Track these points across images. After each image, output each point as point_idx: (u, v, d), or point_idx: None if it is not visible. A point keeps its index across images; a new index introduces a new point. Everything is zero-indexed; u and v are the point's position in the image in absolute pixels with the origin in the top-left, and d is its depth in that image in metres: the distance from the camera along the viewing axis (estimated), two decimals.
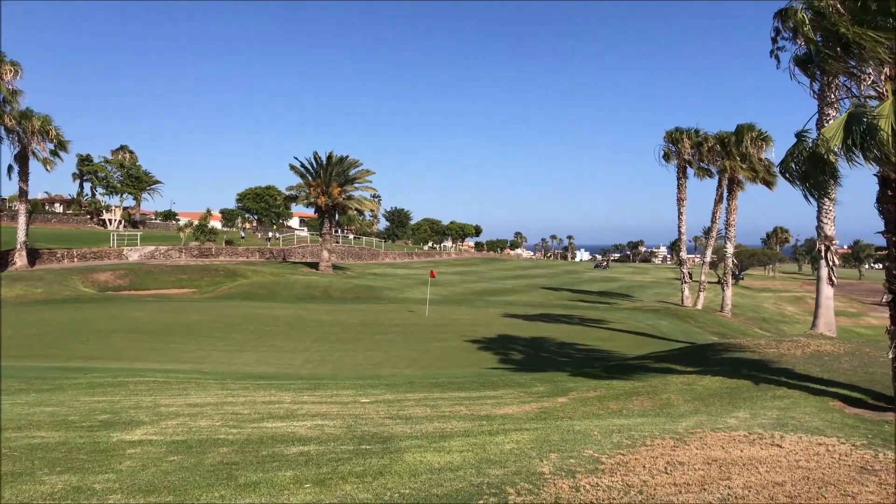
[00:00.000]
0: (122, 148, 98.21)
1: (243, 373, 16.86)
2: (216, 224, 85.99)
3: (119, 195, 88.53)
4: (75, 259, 51.31)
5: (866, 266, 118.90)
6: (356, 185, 60.44)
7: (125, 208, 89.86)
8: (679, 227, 47.55)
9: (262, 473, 6.54)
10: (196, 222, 67.83)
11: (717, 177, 44.59)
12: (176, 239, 64.69)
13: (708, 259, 50.40)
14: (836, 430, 8.51)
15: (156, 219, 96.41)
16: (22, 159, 45.25)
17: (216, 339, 24.46)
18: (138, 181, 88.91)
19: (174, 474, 6.48)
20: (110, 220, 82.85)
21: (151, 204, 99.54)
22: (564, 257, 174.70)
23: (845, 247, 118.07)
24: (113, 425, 8.98)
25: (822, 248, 24.00)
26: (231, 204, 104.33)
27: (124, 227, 78.82)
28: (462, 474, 6.48)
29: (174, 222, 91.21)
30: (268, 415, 10.21)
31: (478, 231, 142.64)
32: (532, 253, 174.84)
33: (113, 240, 58.61)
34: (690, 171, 45.93)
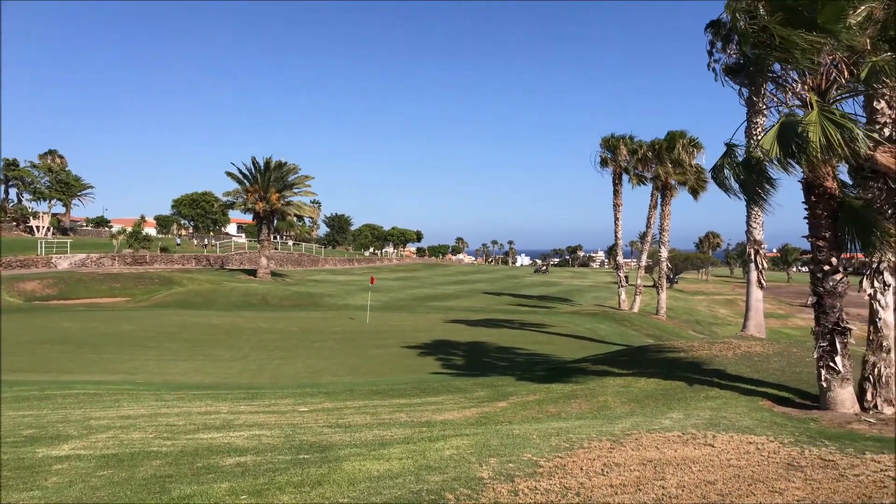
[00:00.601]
0: (51, 152, 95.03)
1: (179, 383, 16.45)
2: (151, 231, 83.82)
3: (47, 201, 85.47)
4: (0, 268, 49.32)
5: (794, 269, 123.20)
6: (295, 190, 59.75)
7: (54, 215, 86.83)
8: (616, 232, 48.48)
9: (196, 486, 6.39)
10: (130, 229, 65.99)
11: (651, 183, 45.63)
12: (108, 246, 62.82)
13: (644, 263, 51.49)
14: (765, 428, 8.78)
15: (87, 226, 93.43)
16: None
17: (150, 348, 23.82)
18: (68, 187, 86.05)
19: (103, 489, 6.28)
20: (38, 227, 79.88)
21: (82, 210, 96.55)
22: (505, 262, 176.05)
23: (774, 250, 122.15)
24: (39, 440, 8.65)
25: (752, 252, 24.80)
26: (166, 210, 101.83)
27: (53, 234, 76.17)
28: (401, 481, 6.46)
29: (106, 229, 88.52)
30: (203, 426, 10.00)
31: (419, 237, 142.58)
32: (473, 258, 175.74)
33: (41, 247, 56.58)
34: (626, 178, 46.91)
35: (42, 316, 34.49)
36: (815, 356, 10.53)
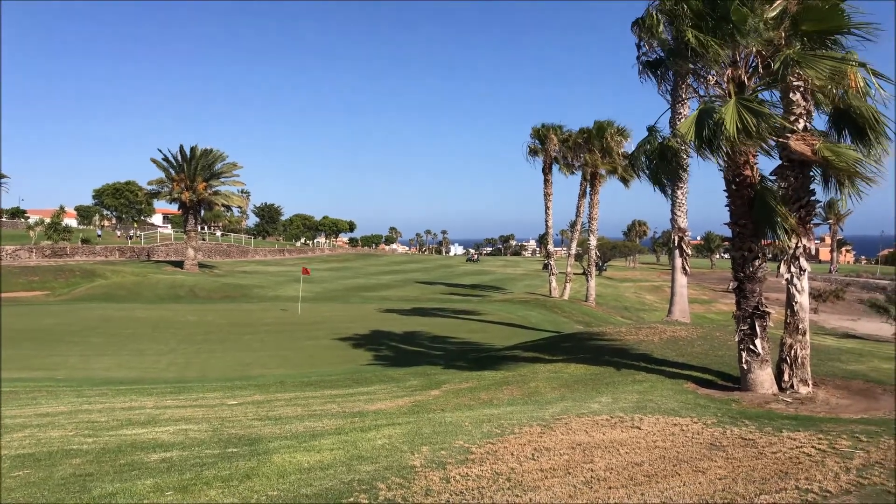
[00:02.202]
0: None
1: (102, 378, 15.91)
2: (71, 222, 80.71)
3: None
4: None
5: (717, 256, 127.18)
6: (223, 179, 58.37)
7: None
8: (546, 221, 49.06)
9: (119, 483, 6.19)
10: (48, 220, 63.37)
11: (580, 171, 46.30)
12: (25, 238, 60.24)
13: (573, 251, 52.29)
14: (689, 410, 9.05)
15: (1, 217, 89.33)
16: None
17: (72, 343, 22.95)
18: None
19: (18, 491, 6.02)
20: None
21: None
22: (439, 252, 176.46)
23: (698, 238, 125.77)
24: None
25: (677, 238, 25.47)
26: (87, 201, 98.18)
27: None
28: (332, 472, 6.40)
29: (22, 220, 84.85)
30: (127, 421, 9.70)
31: (352, 227, 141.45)
32: (407, 248, 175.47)
33: None
34: (556, 168, 47.45)
35: None
36: (737, 339, 10.91)
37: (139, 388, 13.74)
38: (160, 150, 55.55)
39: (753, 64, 10.71)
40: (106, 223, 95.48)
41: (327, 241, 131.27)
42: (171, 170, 55.77)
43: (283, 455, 7.13)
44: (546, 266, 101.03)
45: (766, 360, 10.65)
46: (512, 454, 6.96)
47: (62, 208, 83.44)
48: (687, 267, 25.41)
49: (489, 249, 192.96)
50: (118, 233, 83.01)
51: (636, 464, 6.59)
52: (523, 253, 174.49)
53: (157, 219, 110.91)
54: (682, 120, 20.98)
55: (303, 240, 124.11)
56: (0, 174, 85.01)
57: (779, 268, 10.98)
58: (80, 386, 14.02)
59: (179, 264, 56.76)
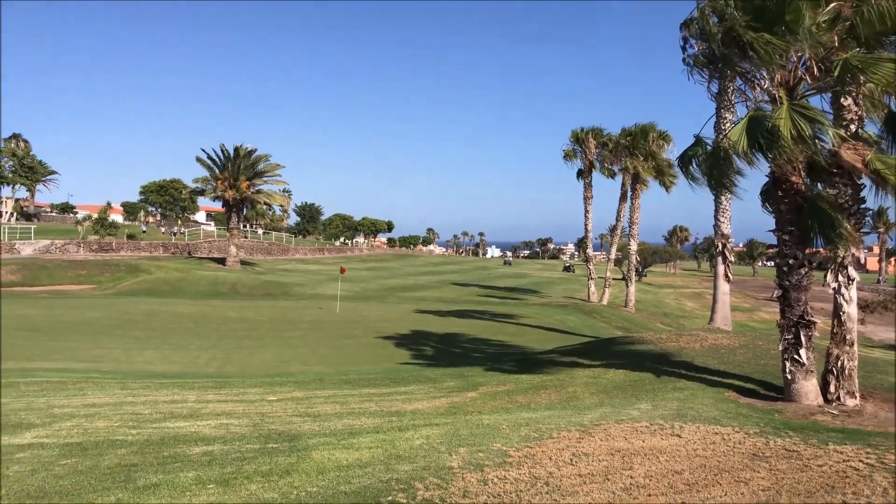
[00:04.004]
0: (15, 136, 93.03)
1: (145, 372, 16.24)
2: (117, 218, 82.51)
3: (11, 186, 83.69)
4: None
5: (759, 263, 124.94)
6: (265, 178, 59.13)
7: (17, 200, 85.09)
8: (586, 224, 48.70)
9: (162, 475, 6.31)
10: (95, 215, 64.86)
11: (620, 176, 45.87)
12: (73, 233, 61.72)
13: (613, 256, 51.82)
14: (731, 419, 8.91)
15: (52, 211, 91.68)
16: None
17: (116, 336, 23.47)
18: (32, 171, 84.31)
19: (67, 478, 6.17)
20: (1, 213, 78.29)
21: (47, 196, 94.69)
22: (476, 254, 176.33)
23: (741, 245, 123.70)
24: (1, 428, 8.47)
25: (720, 245, 25.10)
26: (134, 197, 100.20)
27: (16, 219, 74.65)
28: (371, 471, 6.44)
29: (72, 215, 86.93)
30: (170, 414, 9.88)
31: (390, 227, 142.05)
32: (444, 249, 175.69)
33: (4, 233, 55.40)
34: (596, 171, 47.09)
35: (4, 303, 33.79)
36: (780, 349, 10.70)
37: (181, 381, 13.98)
38: (203, 150, 56.39)
39: (804, 67, 10.50)
40: (151, 219, 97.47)
41: (366, 240, 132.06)
42: (215, 168, 56.64)
43: (322, 452, 7.20)
44: (567, 268, 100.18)
45: (812, 371, 10.43)
46: (550, 458, 6.93)
47: (109, 204, 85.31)
48: (730, 274, 25.03)
49: (526, 252, 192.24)
50: (163, 229, 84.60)
51: (676, 472, 6.51)
52: (561, 257, 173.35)
53: (200, 216, 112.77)
54: (727, 125, 20.71)
55: (342, 239, 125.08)
56: (50, 170, 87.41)
57: (826, 277, 10.75)
58: (125, 378, 14.32)
59: (222, 261, 57.61)
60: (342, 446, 7.50)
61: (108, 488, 5.87)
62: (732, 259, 25.60)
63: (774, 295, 11.08)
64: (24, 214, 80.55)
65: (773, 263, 11.68)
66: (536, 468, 6.57)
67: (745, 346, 15.55)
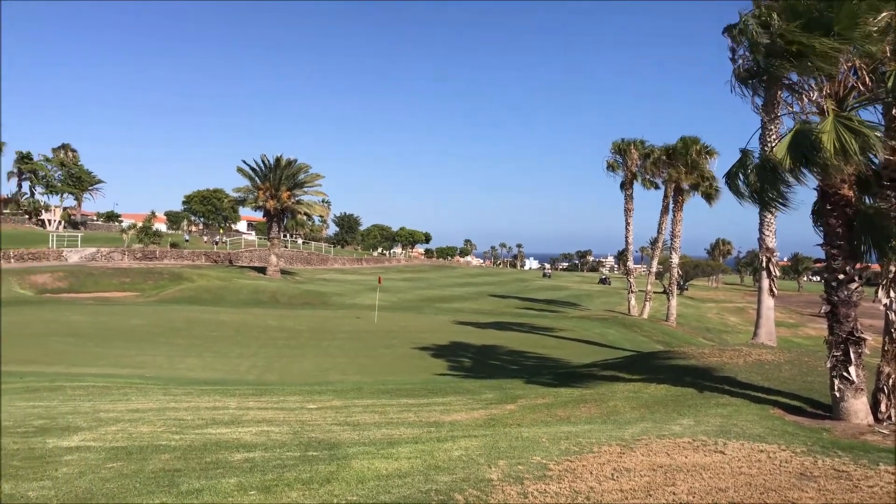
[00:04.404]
0: (64, 146, 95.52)
1: (187, 378, 16.48)
2: (161, 226, 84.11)
3: (59, 195, 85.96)
4: (12, 260, 49.63)
5: (805, 278, 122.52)
6: (306, 189, 59.82)
7: (65, 209, 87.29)
8: (626, 237, 48.31)
9: (205, 480, 6.38)
10: (140, 224, 66.23)
11: (662, 188, 45.42)
12: (118, 241, 63.09)
13: (654, 269, 51.25)
14: (776, 437, 8.71)
15: (97, 220, 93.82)
16: None
17: (159, 343, 23.88)
18: (80, 181, 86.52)
19: (113, 481, 6.28)
20: (50, 221, 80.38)
21: (93, 204, 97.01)
22: (514, 265, 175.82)
23: (785, 259, 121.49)
24: (49, 431, 8.67)
25: (764, 259, 24.62)
26: (177, 206, 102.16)
27: (64, 227, 76.56)
28: (410, 481, 6.43)
29: (117, 224, 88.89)
30: (212, 421, 10.00)
31: (427, 238, 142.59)
32: (481, 261, 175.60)
33: (52, 241, 56.86)
34: (637, 183, 46.71)
35: (52, 309, 34.66)
36: (829, 366, 10.43)
37: (222, 388, 14.16)
38: (244, 161, 57.27)
39: (855, 77, 10.27)
40: (193, 228, 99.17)
41: (403, 251, 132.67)
42: (256, 178, 57.46)
43: (361, 461, 7.21)
44: (603, 281, 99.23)
45: (861, 389, 10.15)
46: (591, 473, 6.84)
47: (153, 213, 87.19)
48: (774, 289, 24.52)
49: (565, 265, 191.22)
50: (205, 238, 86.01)
51: (720, 489, 6.38)
52: (600, 269, 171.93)
53: (241, 226, 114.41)
54: (773, 137, 20.36)
55: (380, 249, 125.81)
56: (97, 179, 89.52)
57: (877, 292, 10.46)
58: (167, 385, 14.56)
59: (262, 270, 58.35)
60: (381, 456, 7.50)
61: (152, 492, 5.95)
62: (777, 273, 25.09)
63: (822, 310, 10.82)
64: (72, 223, 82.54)
65: (819, 278, 11.40)
66: (577, 482, 6.49)
67: (790, 362, 15.21)
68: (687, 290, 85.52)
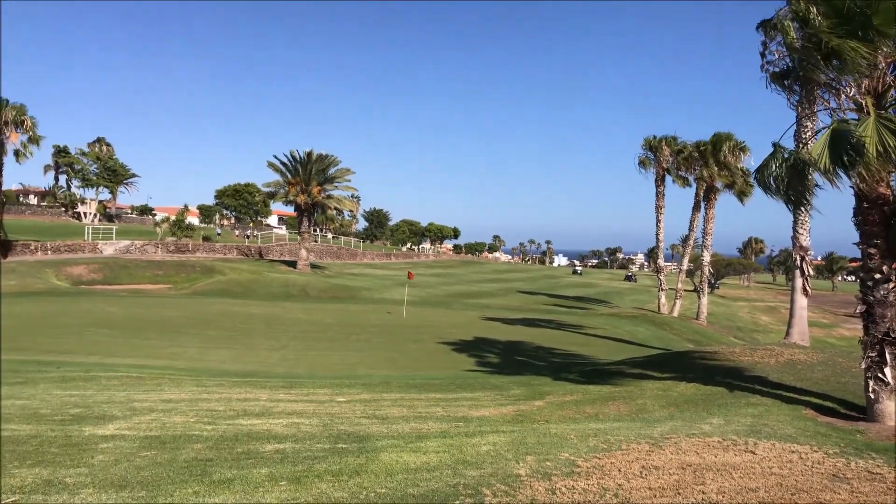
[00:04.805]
0: (99, 140, 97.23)
1: (218, 370, 16.71)
2: (193, 220, 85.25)
3: (95, 188, 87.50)
4: (49, 252, 50.62)
5: (839, 278, 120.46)
6: (336, 184, 60.17)
7: (100, 201, 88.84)
8: (657, 234, 47.90)
9: (236, 470, 6.48)
10: (173, 217, 67.17)
11: (694, 185, 44.95)
12: (152, 234, 64.04)
13: (685, 267, 50.77)
14: (808, 437, 8.60)
15: (132, 213, 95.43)
16: None
17: (191, 335, 24.23)
18: (115, 174, 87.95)
19: (147, 470, 6.40)
20: (85, 214, 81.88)
21: (127, 198, 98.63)
22: (543, 262, 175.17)
23: (819, 258, 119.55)
24: (85, 419, 8.85)
25: (798, 258, 24.30)
26: (209, 200, 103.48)
27: (99, 220, 77.92)
28: (438, 475, 6.46)
29: (150, 217, 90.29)
30: (243, 412, 10.13)
31: (456, 234, 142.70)
32: (510, 257, 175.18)
33: (88, 233, 57.89)
34: (669, 180, 46.29)
35: (88, 300, 35.32)
36: (863, 367, 10.27)
37: (253, 380, 14.33)
38: (275, 156, 57.77)
39: (893, 74, 10.08)
40: (225, 222, 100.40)
41: (432, 246, 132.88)
42: (287, 173, 57.93)
43: (390, 454, 7.27)
44: (629, 277, 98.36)
45: None
46: (619, 470, 6.82)
47: (186, 207, 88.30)
48: (808, 288, 24.19)
49: (594, 262, 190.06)
50: (236, 232, 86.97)
51: (751, 489, 6.33)
52: (630, 267, 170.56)
53: (272, 220, 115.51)
54: (808, 135, 20.06)
55: (408, 245, 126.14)
56: (132, 173, 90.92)
57: None
58: (199, 376, 14.76)
59: (292, 264, 58.85)
60: (410, 449, 7.55)
61: (185, 481, 6.06)
62: (811, 272, 24.75)
63: (857, 310, 10.65)
64: (107, 215, 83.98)
65: (854, 278, 11.22)
66: (605, 479, 6.48)
67: (823, 362, 14.99)
68: (718, 288, 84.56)
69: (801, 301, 24.66)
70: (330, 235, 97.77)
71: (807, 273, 24.11)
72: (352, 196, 68.19)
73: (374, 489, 5.96)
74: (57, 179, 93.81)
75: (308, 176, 57.14)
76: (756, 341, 39.96)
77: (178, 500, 5.56)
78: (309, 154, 57.41)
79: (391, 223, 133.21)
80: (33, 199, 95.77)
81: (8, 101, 43.90)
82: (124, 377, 13.59)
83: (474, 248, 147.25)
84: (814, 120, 19.30)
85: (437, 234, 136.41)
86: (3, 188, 47.85)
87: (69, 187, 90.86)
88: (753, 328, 51.82)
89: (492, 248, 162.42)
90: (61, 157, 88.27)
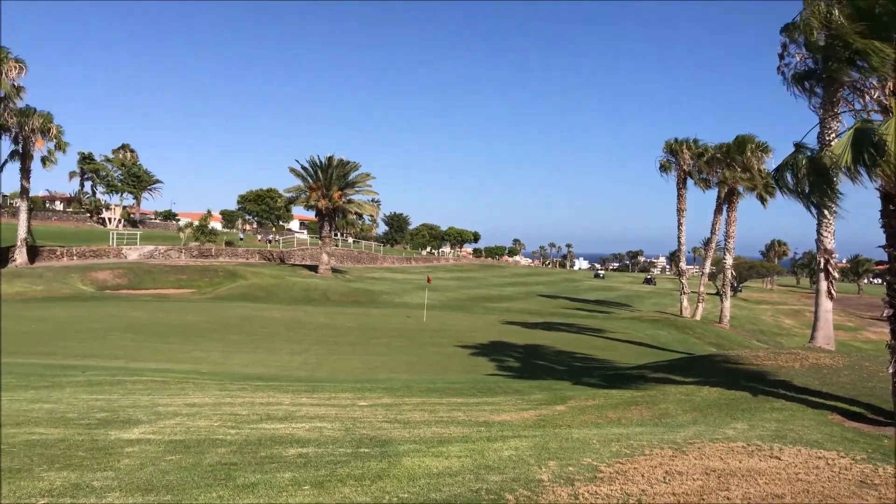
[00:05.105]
0: (124, 147, 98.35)
1: (241, 374, 16.82)
2: (216, 225, 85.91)
3: (119, 194, 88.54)
4: (75, 257, 51.28)
5: (865, 281, 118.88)
6: (356, 188, 60.42)
7: (125, 207, 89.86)
8: (679, 237, 47.57)
9: (260, 474, 6.52)
10: (196, 223, 67.76)
11: (716, 188, 44.59)
12: (175, 239, 64.64)
13: (707, 270, 50.36)
14: (835, 443, 8.50)
15: (155, 218, 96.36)
16: (23, 157, 45.36)
17: (214, 339, 24.42)
18: (139, 180, 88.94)
19: (172, 474, 6.46)
20: (110, 219, 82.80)
21: (151, 203, 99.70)
22: (563, 265, 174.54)
23: (844, 261, 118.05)
24: (111, 423, 8.95)
25: (822, 261, 24.02)
26: (232, 205, 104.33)
27: (124, 226, 78.75)
28: (461, 479, 6.47)
29: (174, 222, 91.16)
30: (266, 416, 10.19)
31: (476, 237, 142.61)
32: (530, 260, 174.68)
33: (112, 238, 58.55)
34: (690, 182, 45.96)
35: (113, 304, 35.73)
36: (891, 371, 10.14)
37: (276, 384, 14.42)
38: (297, 161, 58.15)
39: None
40: (248, 227, 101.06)
41: (452, 250, 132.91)
42: (308, 178, 58.27)
43: (412, 458, 7.28)
44: (648, 280, 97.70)
45: None
46: (642, 476, 6.79)
47: (209, 212, 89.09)
48: (833, 291, 23.91)
49: (615, 265, 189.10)
50: (258, 237, 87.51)
51: (776, 496, 6.26)
52: (652, 270, 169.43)
53: (294, 224, 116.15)
54: (831, 136, 19.83)
55: (428, 249, 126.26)
56: (155, 179, 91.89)
57: None
58: (222, 380, 14.88)
59: (314, 268, 59.14)
60: (432, 454, 7.56)
61: (210, 485, 6.11)
62: (836, 275, 24.45)
63: (884, 314, 10.51)
64: (131, 221, 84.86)
65: (881, 281, 11.08)
66: (628, 485, 6.45)
67: (849, 366, 14.81)
68: (740, 291, 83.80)
69: (826, 304, 24.37)
70: (351, 240, 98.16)
71: (831, 276, 23.83)
72: (372, 200, 68.52)
73: (397, 494, 5.98)
74: (82, 186, 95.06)
75: (329, 181, 57.44)
76: (780, 345, 39.54)
77: (202, 503, 5.61)
78: (329, 159, 57.71)
79: (411, 227, 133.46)
80: (59, 206, 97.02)
81: (35, 109, 44.54)
82: (149, 381, 13.74)
83: (494, 252, 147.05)
84: (837, 122, 19.09)
85: (457, 237, 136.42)
86: (31, 194, 48.48)
87: (94, 193, 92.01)
88: (777, 332, 51.27)
89: (512, 252, 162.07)
90: (86, 163, 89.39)
